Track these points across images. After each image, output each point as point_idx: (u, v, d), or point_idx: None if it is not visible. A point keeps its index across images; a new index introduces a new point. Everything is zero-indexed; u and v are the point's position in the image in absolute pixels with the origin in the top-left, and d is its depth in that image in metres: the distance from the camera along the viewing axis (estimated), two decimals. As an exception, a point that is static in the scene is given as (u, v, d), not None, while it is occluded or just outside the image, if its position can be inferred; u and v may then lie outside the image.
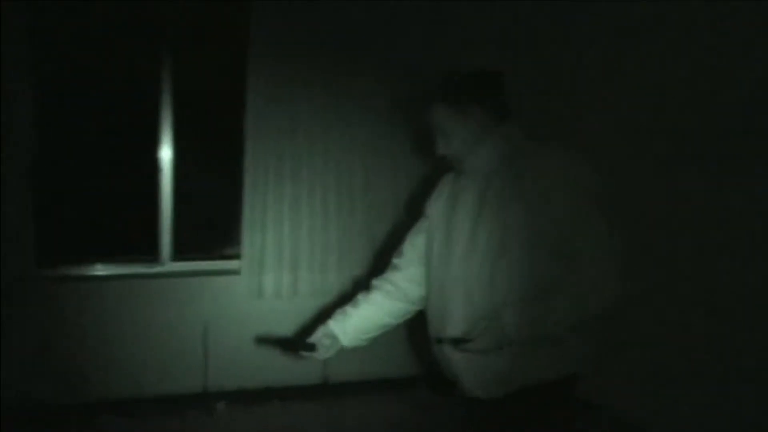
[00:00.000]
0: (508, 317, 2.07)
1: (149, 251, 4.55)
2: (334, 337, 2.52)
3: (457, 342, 2.15)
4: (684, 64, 3.66)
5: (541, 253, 2.12)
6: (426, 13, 4.60)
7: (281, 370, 4.55)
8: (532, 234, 2.12)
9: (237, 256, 4.53)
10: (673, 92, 3.73)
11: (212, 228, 4.91)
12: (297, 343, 2.60)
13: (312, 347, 2.51)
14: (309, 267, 4.53)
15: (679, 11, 3.67)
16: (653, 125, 3.85)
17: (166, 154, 4.48)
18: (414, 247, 2.54)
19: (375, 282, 2.60)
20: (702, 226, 3.55)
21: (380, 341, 4.17)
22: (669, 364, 3.72)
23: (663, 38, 3.78)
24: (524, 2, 4.69)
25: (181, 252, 4.60)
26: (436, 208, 2.49)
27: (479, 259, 2.20)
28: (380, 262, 4.50)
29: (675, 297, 3.69)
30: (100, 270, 4.45)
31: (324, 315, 2.65)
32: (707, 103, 3.51)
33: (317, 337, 2.54)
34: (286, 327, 4.25)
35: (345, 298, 2.70)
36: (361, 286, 2.67)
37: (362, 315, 2.53)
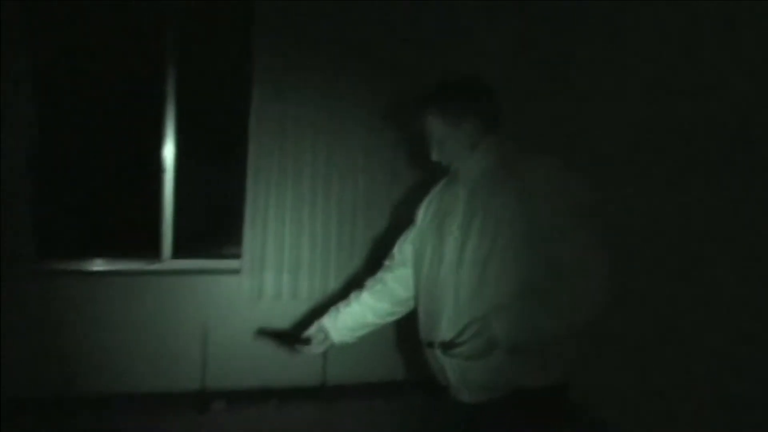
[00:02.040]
0: (495, 323, 2.08)
1: (150, 248, 4.56)
2: (325, 333, 2.63)
3: (446, 346, 2.17)
4: (687, 67, 3.66)
5: (527, 262, 2.13)
6: (429, 16, 4.60)
7: (280, 370, 4.58)
8: (519, 243, 2.14)
9: (238, 256, 4.54)
10: (673, 96, 3.73)
11: (214, 227, 4.92)
12: (293, 337, 2.71)
13: (307, 341, 2.61)
14: (309, 269, 4.53)
15: (684, 13, 3.66)
16: (653, 131, 3.85)
17: (169, 152, 4.49)
18: (402, 251, 2.63)
19: (367, 282, 2.69)
20: (694, 231, 3.55)
21: (377, 344, 4.22)
22: (656, 370, 3.72)
23: (666, 43, 3.78)
24: (528, 4, 4.70)
25: (182, 250, 4.60)
26: (426, 215, 2.53)
27: (468, 266, 2.22)
28: (380, 266, 4.54)
29: (661, 302, 3.70)
30: (100, 265, 4.46)
31: (322, 313, 2.73)
32: (708, 108, 3.51)
33: (312, 331, 2.64)
34: (286, 327, 4.26)
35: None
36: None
37: (351, 312, 2.62)
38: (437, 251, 2.36)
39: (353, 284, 4.47)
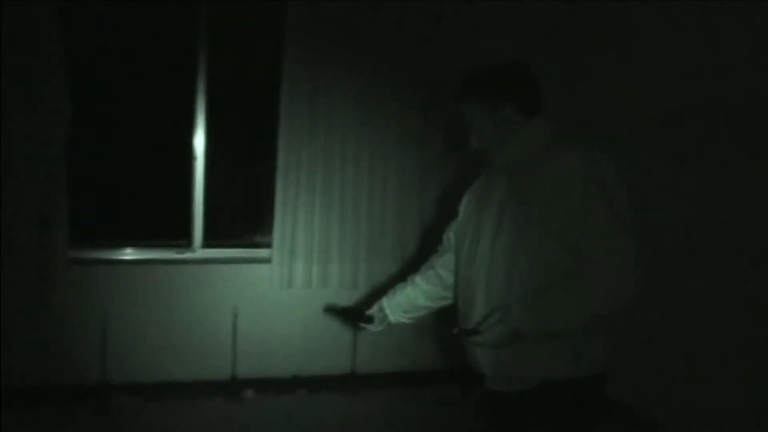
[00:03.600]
0: (517, 312, 2.06)
1: (181, 237, 4.58)
2: (384, 312, 2.66)
3: (467, 333, 2.15)
4: (701, 61, 3.66)
5: (554, 248, 2.10)
6: (458, 12, 4.59)
7: (309, 359, 4.59)
8: (547, 229, 2.10)
9: (268, 245, 4.55)
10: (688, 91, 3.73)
11: (244, 216, 4.94)
12: (357, 314, 2.77)
13: (370, 319, 2.67)
14: (339, 258, 4.54)
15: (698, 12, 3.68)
16: (663, 125, 3.86)
17: (200, 141, 4.50)
18: (449, 238, 2.63)
19: (423, 266, 2.72)
20: (718, 223, 3.53)
21: (407, 333, 4.20)
22: (688, 363, 3.69)
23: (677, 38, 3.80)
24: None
25: (212, 239, 4.62)
26: (468, 205, 2.51)
27: (500, 254, 2.20)
28: (409, 254, 4.54)
29: (689, 296, 3.68)
30: (131, 254, 4.49)
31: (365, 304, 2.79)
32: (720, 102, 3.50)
33: (374, 310, 2.69)
34: (316, 316, 4.25)
35: (374, 290, 2.76)
36: (390, 277, 2.74)
37: (405, 294, 2.65)
38: (475, 239, 2.34)
39: (383, 271, 4.53)
